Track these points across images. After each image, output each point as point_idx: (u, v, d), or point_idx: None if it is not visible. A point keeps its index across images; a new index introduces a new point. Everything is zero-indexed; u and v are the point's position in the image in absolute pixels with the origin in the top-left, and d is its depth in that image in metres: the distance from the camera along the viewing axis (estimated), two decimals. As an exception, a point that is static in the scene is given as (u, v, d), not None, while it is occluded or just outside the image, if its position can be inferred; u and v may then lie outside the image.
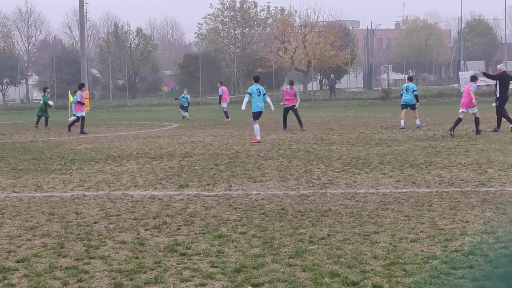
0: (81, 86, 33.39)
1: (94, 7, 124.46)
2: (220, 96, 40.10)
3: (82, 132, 30.89)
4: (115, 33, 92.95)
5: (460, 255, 7.93)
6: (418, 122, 29.22)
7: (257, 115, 24.52)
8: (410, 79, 31.21)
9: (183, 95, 42.99)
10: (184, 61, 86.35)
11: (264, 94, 24.89)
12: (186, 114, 42.13)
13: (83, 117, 31.72)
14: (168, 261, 8.17)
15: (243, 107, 24.99)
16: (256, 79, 25.30)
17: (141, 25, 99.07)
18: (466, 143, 21.49)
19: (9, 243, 9.29)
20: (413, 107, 29.39)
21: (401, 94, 30.30)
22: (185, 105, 42.44)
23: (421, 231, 9.30)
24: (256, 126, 24.26)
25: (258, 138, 24.12)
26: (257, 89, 24.76)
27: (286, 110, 29.97)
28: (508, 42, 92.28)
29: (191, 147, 22.83)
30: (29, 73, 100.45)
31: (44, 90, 39.29)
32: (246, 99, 24.90)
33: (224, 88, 40.89)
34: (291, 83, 31.04)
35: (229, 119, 38.00)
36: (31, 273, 7.76)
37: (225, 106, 39.72)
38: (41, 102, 37.36)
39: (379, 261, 7.82)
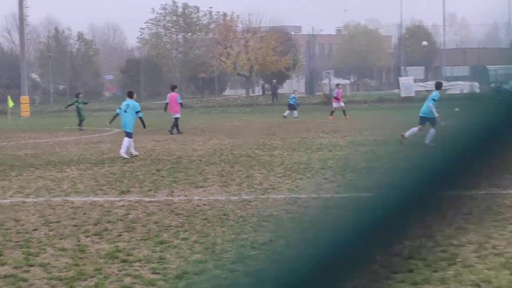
0: (174, 88, 33.57)
1: (34, 11, 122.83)
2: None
3: (173, 132, 31.44)
4: (55, 37, 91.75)
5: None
6: None
7: (424, 120, 21.73)
8: None
9: (293, 95, 46.26)
10: (126, 66, 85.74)
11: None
12: (295, 112, 44.19)
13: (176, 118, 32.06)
14: (109, 268, 8.11)
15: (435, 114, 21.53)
16: (438, 86, 22.56)
17: (82, 29, 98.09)
18: (407, 148, 21.76)
19: None
20: None
21: None
22: (292, 103, 44.98)
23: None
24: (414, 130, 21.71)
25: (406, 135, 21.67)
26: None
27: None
28: (447, 48, 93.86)
29: (133, 153, 22.66)
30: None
31: (77, 95, 39.03)
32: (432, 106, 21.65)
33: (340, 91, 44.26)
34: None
35: (348, 117, 40.57)
36: (-32, 282, 7.63)
37: (335, 106, 42.37)
38: (77, 106, 37.29)
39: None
